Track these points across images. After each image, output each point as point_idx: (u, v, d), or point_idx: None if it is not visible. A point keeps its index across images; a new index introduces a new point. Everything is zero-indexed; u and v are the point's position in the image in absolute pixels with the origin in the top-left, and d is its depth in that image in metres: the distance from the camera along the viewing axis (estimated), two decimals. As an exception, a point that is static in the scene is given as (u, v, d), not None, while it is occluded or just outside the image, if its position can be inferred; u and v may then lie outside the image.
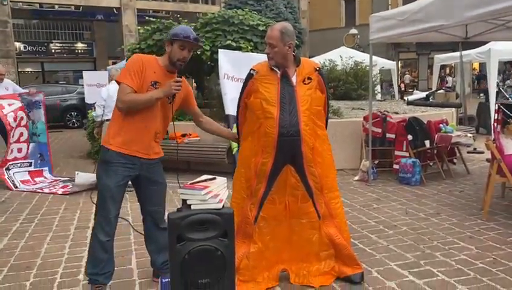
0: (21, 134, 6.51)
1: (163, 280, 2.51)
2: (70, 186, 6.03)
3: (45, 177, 6.64)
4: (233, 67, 6.27)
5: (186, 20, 8.48)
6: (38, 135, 6.80)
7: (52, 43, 23.68)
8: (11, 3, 18.16)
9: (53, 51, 23.83)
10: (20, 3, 21.50)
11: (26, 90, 7.00)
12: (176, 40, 2.72)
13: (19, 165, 6.48)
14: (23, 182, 6.31)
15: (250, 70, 3.00)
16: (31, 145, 6.67)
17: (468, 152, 7.63)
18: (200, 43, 2.90)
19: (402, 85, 24.33)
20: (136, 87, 2.68)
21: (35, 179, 6.51)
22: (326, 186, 3.04)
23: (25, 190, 6.05)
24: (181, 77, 2.74)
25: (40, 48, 23.45)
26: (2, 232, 4.29)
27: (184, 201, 2.36)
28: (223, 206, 2.36)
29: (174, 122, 2.96)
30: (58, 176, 6.84)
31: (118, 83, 2.73)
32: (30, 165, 6.62)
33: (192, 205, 2.32)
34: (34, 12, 22.79)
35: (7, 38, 17.81)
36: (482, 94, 15.66)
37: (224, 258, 2.29)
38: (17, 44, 21.30)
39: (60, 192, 5.88)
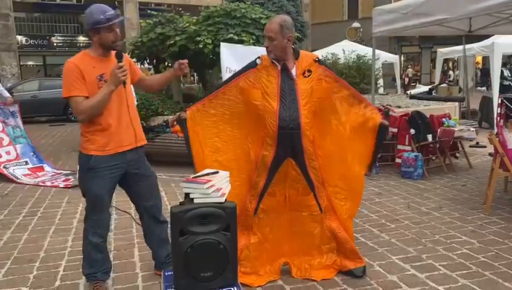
0: (1, 139, 6.64)
1: (166, 273, 2.51)
2: (72, 179, 6.05)
3: (47, 171, 6.67)
4: (236, 60, 6.24)
5: (188, 14, 8.47)
6: (24, 137, 6.98)
7: (54, 36, 23.62)
8: (13, -4, 18.13)
9: (55, 44, 23.77)
10: (22, -4, 21.44)
11: (8, 95, 7.01)
12: (99, 27, 2.56)
13: (14, 164, 6.55)
14: (24, 175, 6.34)
15: (257, 58, 2.95)
16: (19, 146, 6.79)
17: (470, 146, 7.61)
18: (121, 16, 2.68)
19: (406, 79, 24.23)
20: (87, 93, 2.57)
21: (37, 173, 6.54)
22: (330, 179, 3.04)
23: (27, 182, 6.07)
24: (121, 60, 2.59)
25: (42, 41, 23.40)
26: (5, 226, 4.31)
27: (187, 195, 2.36)
28: (226, 200, 2.36)
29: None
30: (60, 169, 6.86)
31: (67, 98, 2.59)
32: (27, 164, 6.69)
33: (194, 199, 2.32)
34: (36, 5, 22.72)
35: (9, 31, 17.81)
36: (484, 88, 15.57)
37: (227, 252, 2.30)
38: (19, 37, 21.27)
39: (61, 185, 5.90)
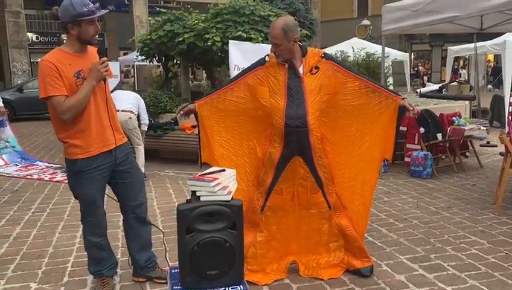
0: None
1: (173, 271, 2.52)
2: (59, 173, 6.33)
3: (37, 165, 6.97)
4: (244, 58, 6.23)
5: (197, 11, 8.46)
6: (13, 146, 7.24)
7: (63, 33, 23.82)
8: (24, -6, 18.27)
9: (64, 41, 23.86)
10: (33, -6, 21.60)
11: (1, 105, 7.05)
12: (81, 20, 2.44)
13: (4, 168, 6.76)
14: (15, 171, 6.61)
15: (266, 55, 2.95)
16: (5, 155, 7.03)
17: (481, 145, 7.53)
18: (102, 10, 2.56)
19: (425, 78, 24.01)
20: (66, 92, 2.45)
21: (28, 167, 6.84)
22: (342, 175, 3.02)
23: (17, 175, 6.32)
24: (103, 55, 2.54)
25: (52, 39, 23.56)
26: (14, 221, 4.35)
27: (193, 192, 2.36)
28: (232, 198, 2.36)
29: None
30: (51, 163, 7.11)
31: (46, 99, 2.46)
32: (17, 165, 6.92)
33: (201, 197, 2.32)
34: (46, 2, 22.88)
35: (20, 28, 17.94)
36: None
37: (233, 250, 2.30)
38: (30, 34, 21.43)
39: (46, 178, 6.12)
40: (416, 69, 26.45)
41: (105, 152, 2.61)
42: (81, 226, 2.87)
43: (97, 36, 2.56)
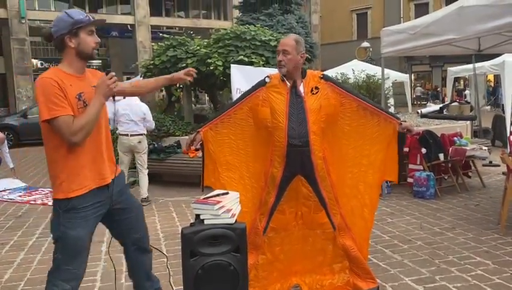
0: None
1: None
2: None
3: (41, 190, 7.01)
4: (246, 81, 6.31)
5: (199, 37, 8.62)
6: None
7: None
8: (29, 22, 18.63)
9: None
10: (38, 22, 22.01)
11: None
12: (80, 27, 2.23)
13: (8, 193, 6.83)
14: (19, 196, 6.63)
15: (266, 77, 3.01)
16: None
17: (483, 165, 7.53)
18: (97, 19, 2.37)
19: (446, 99, 24.05)
20: (72, 112, 2.18)
21: (32, 193, 6.85)
22: (344, 196, 3.04)
23: (20, 201, 6.32)
24: (108, 71, 2.37)
25: (57, 65, 23.75)
26: (18, 247, 4.35)
27: (197, 216, 2.38)
28: (236, 221, 2.37)
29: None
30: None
31: (47, 121, 2.15)
32: (20, 192, 6.95)
33: (205, 220, 2.34)
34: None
35: (25, 55, 18.25)
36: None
37: (237, 273, 2.30)
38: (34, 61, 21.76)
39: (50, 203, 6.10)
40: (438, 89, 26.52)
41: (102, 187, 2.33)
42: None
43: (97, 51, 2.34)
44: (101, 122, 2.35)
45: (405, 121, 3.06)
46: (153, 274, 2.82)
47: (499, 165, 7.43)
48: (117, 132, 6.10)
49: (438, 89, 26.82)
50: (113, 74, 2.27)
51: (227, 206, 2.36)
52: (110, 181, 2.36)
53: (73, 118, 2.17)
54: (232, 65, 6.66)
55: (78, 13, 2.26)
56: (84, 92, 2.26)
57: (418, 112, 12.85)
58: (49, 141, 2.25)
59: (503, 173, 5.38)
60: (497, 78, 22.20)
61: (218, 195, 2.49)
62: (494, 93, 18.06)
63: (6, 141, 7.43)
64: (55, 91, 2.15)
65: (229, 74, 6.60)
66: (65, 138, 2.17)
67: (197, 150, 3.06)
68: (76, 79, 2.27)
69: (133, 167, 6.20)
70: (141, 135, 5.88)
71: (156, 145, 7.00)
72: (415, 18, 11.63)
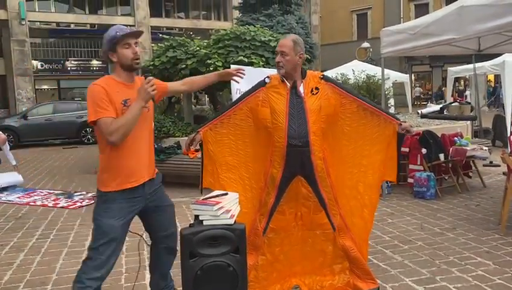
0: None
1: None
2: (62, 199, 6.42)
3: (40, 191, 7.00)
4: (246, 82, 6.27)
5: (199, 37, 8.62)
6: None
7: (68, 60, 24.16)
8: (29, 23, 18.66)
9: (69, 68, 24.29)
10: (38, 23, 22.05)
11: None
12: (116, 43, 2.44)
13: (6, 195, 6.79)
14: (18, 197, 6.63)
15: (266, 77, 3.00)
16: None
17: (484, 165, 7.52)
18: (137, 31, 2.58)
19: (452, 98, 23.92)
20: (115, 115, 2.38)
21: (30, 194, 6.85)
22: (344, 196, 3.03)
23: (19, 202, 6.32)
24: (148, 75, 2.53)
25: (57, 66, 23.92)
26: (18, 248, 4.35)
27: (196, 216, 2.37)
28: (235, 221, 2.37)
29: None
30: (52, 189, 7.17)
31: (94, 123, 2.37)
32: (18, 193, 6.92)
33: (204, 221, 2.33)
34: (51, 31, 23.32)
35: (25, 57, 18.29)
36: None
37: (236, 274, 2.29)
38: (35, 62, 21.78)
39: (50, 204, 6.14)
40: (443, 89, 26.41)
41: (136, 187, 2.49)
42: (86, 252, 2.79)
43: (137, 60, 2.49)
44: (143, 126, 2.52)
45: (405, 122, 3.06)
46: (170, 274, 2.84)
47: (499, 165, 7.42)
48: None
49: (443, 88, 26.80)
50: (152, 78, 2.43)
51: (226, 207, 2.35)
52: (147, 181, 2.53)
53: (113, 119, 2.35)
54: (231, 66, 6.64)
55: (114, 30, 2.47)
56: (130, 98, 2.44)
57: (418, 112, 12.84)
58: (99, 140, 2.49)
59: (504, 173, 5.36)
60: (497, 78, 22.21)
61: (217, 196, 2.48)
62: (494, 93, 18.05)
63: (7, 142, 7.39)
64: (101, 96, 2.36)
65: (229, 75, 6.59)
66: (104, 137, 2.36)
67: (197, 150, 3.05)
68: (124, 87, 2.48)
69: None
70: None
71: (156, 146, 6.99)
72: (415, 18, 11.63)
